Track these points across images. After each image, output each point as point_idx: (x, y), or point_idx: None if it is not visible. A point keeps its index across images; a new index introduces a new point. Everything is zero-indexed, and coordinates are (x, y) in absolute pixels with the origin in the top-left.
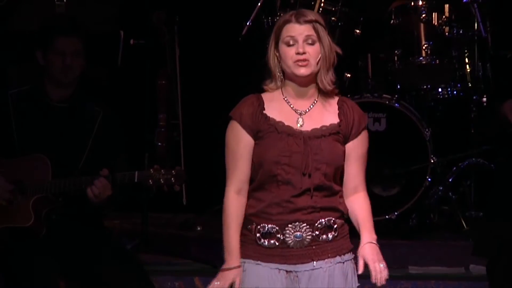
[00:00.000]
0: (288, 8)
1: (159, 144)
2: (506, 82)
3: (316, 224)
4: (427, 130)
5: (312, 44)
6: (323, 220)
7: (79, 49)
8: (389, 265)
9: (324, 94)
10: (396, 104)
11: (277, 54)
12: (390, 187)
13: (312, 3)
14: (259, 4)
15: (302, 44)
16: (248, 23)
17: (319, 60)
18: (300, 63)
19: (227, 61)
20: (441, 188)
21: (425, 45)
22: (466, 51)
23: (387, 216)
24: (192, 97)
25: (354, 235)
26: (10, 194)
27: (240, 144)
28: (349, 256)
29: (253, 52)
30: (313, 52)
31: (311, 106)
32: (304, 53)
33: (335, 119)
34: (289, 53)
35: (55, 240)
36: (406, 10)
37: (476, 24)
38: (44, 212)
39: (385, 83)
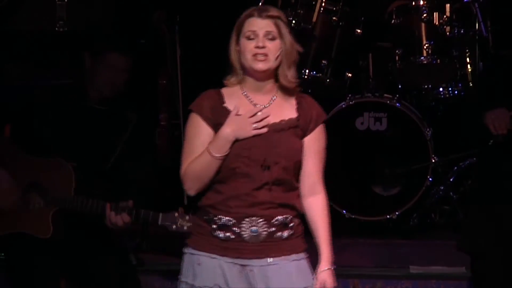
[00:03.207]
0: (288, 8)
1: (160, 143)
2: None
3: (272, 221)
4: (428, 129)
5: (273, 39)
6: (280, 217)
7: (128, 68)
8: (390, 265)
9: (284, 90)
10: (397, 104)
11: (238, 49)
12: (391, 187)
13: (313, 2)
14: (260, 3)
15: (262, 38)
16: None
17: (278, 55)
18: (258, 58)
19: (228, 60)
20: (442, 187)
21: (426, 45)
22: (467, 50)
23: (388, 216)
24: (193, 97)
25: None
26: (14, 202)
27: (199, 135)
28: (304, 254)
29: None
30: (272, 48)
31: (271, 101)
32: (263, 47)
33: (293, 114)
34: (249, 47)
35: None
36: (407, 9)
37: (477, 24)
38: (62, 225)
39: (386, 83)
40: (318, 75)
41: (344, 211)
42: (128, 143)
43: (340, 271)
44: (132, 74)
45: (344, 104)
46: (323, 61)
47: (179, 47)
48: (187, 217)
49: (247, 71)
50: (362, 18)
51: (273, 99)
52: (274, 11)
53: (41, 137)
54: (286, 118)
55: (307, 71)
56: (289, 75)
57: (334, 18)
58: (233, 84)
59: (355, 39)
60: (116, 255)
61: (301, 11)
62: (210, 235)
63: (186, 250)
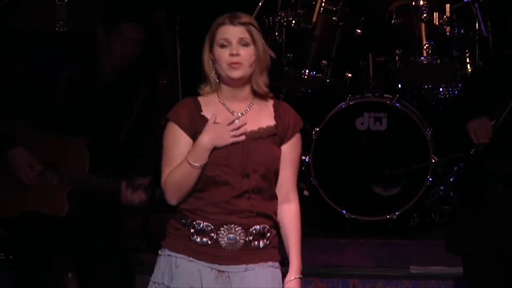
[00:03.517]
0: (289, 8)
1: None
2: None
3: (250, 229)
4: (428, 129)
5: (246, 45)
6: (258, 226)
7: (142, 39)
8: (390, 265)
9: (259, 96)
10: (397, 104)
11: (211, 57)
12: (391, 187)
13: (313, 2)
14: (260, 4)
15: (236, 45)
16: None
17: (252, 62)
18: (233, 66)
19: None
20: (442, 187)
21: (426, 45)
22: (467, 50)
23: (388, 216)
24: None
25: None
26: (34, 178)
27: (178, 145)
28: (278, 264)
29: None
30: (246, 55)
31: (248, 109)
32: (238, 54)
33: (271, 121)
34: (223, 55)
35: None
36: (407, 9)
37: (477, 24)
38: (77, 203)
39: (386, 83)
40: (318, 75)
41: (344, 211)
42: (138, 116)
43: (340, 271)
44: (144, 46)
45: (344, 104)
46: (323, 61)
47: (179, 47)
48: None
49: (222, 79)
50: (362, 18)
51: (250, 106)
52: (246, 18)
53: (55, 114)
54: (264, 125)
55: (307, 71)
56: (260, 81)
57: (334, 18)
58: (208, 93)
59: (355, 39)
60: (116, 240)
61: (301, 11)
62: (187, 239)
63: (161, 252)
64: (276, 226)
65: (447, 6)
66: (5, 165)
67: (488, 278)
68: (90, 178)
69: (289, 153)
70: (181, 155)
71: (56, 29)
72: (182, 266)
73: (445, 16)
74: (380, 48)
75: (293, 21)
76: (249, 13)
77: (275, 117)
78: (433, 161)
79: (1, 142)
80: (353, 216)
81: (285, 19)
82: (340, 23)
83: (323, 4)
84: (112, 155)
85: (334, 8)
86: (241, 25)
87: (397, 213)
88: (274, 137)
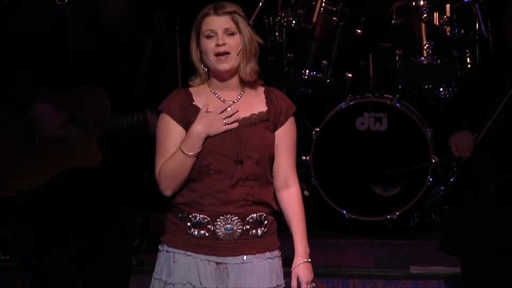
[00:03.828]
0: (289, 8)
1: None
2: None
3: (247, 218)
4: (428, 129)
5: (232, 35)
6: (254, 215)
7: None
8: (390, 265)
9: (250, 84)
10: (398, 104)
11: (199, 49)
12: (391, 187)
13: (313, 3)
14: (260, 4)
15: (222, 35)
16: (249, 23)
17: (239, 51)
18: (221, 58)
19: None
20: (443, 187)
21: (426, 45)
22: (467, 51)
23: (388, 216)
24: None
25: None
26: (61, 128)
27: (171, 135)
28: (278, 253)
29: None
30: (233, 44)
31: (239, 97)
32: (224, 44)
33: (263, 108)
34: (210, 46)
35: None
36: (408, 10)
37: (477, 24)
38: (107, 149)
39: (387, 83)
40: (318, 75)
41: (345, 211)
42: (149, 64)
43: (340, 271)
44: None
45: (344, 104)
46: (323, 61)
47: (179, 47)
48: None
49: (211, 72)
50: (363, 18)
51: (241, 94)
52: (230, 7)
53: (65, 71)
54: (257, 112)
55: (307, 71)
56: (248, 69)
57: (334, 18)
58: (198, 84)
59: (356, 39)
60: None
61: (301, 11)
62: (185, 233)
63: (161, 247)
64: (274, 212)
65: (447, 6)
66: (26, 131)
67: (481, 276)
68: (114, 118)
69: (284, 138)
70: (174, 146)
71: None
72: (180, 261)
73: (445, 16)
74: (381, 48)
75: (294, 21)
76: (249, 13)
77: (267, 103)
78: (433, 161)
79: (22, 101)
80: (353, 216)
81: (285, 19)
82: (341, 23)
83: (323, 4)
84: (130, 99)
85: (334, 8)
86: (226, 15)
87: (397, 213)
88: (267, 122)
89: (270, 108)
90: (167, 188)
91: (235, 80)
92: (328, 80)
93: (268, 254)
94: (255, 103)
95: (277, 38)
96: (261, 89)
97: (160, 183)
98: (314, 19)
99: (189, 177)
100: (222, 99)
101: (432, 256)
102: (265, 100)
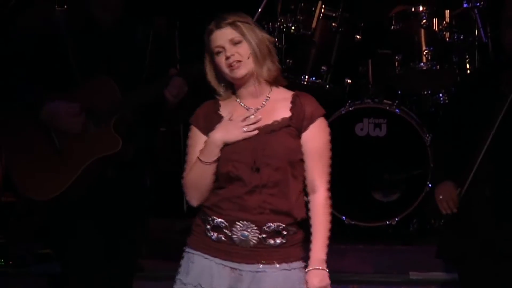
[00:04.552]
0: (288, 14)
1: (160, 149)
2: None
3: (263, 227)
4: (427, 135)
5: (238, 43)
6: (271, 224)
7: None
8: (390, 271)
9: (275, 87)
10: (397, 110)
11: (215, 69)
12: (390, 193)
13: (313, 8)
14: (259, 10)
15: (229, 48)
16: (255, 23)
17: (249, 56)
18: (233, 66)
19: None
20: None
21: (426, 51)
22: (467, 56)
23: (387, 222)
24: (193, 103)
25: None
26: (79, 120)
27: (196, 145)
28: (298, 264)
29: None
30: (241, 51)
31: (264, 103)
32: (232, 55)
33: (286, 113)
34: (221, 61)
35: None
36: (407, 15)
37: (476, 30)
38: (125, 131)
39: (386, 89)
40: (317, 81)
41: (344, 217)
42: (152, 54)
43: (340, 277)
44: None
45: (343, 110)
46: (323, 67)
47: (179, 53)
48: None
49: (232, 84)
50: (362, 24)
51: (266, 100)
52: (230, 17)
53: (68, 69)
54: (279, 118)
55: (306, 77)
56: (264, 72)
57: (333, 24)
58: (224, 99)
59: (355, 45)
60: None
61: (301, 17)
62: (204, 235)
63: (185, 248)
64: (298, 223)
65: (447, 12)
66: (43, 135)
67: (478, 282)
68: (126, 98)
69: (309, 142)
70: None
71: None
72: (197, 263)
73: (444, 22)
74: (380, 54)
75: (293, 27)
76: None
77: (291, 108)
78: (433, 166)
79: (32, 105)
80: (353, 222)
81: (284, 25)
82: (340, 29)
83: (322, 10)
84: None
85: (334, 14)
86: (228, 26)
87: (396, 219)
88: (289, 128)
89: (293, 113)
90: (192, 198)
91: (257, 87)
92: (327, 86)
93: (285, 265)
94: (279, 108)
95: (277, 44)
96: (289, 94)
97: (186, 194)
98: (314, 25)
99: (215, 185)
100: (246, 106)
101: (432, 262)
102: (290, 106)
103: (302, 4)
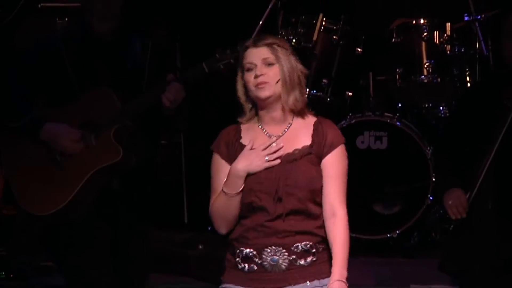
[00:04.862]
0: (289, 27)
1: (161, 161)
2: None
3: (292, 248)
4: (428, 148)
5: (271, 65)
6: (299, 244)
7: None
8: (390, 284)
9: (298, 115)
10: (398, 123)
11: (244, 84)
12: (391, 205)
13: (313, 21)
14: (261, 22)
15: (260, 67)
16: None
17: (278, 81)
18: (260, 85)
19: (228, 78)
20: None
21: (427, 64)
22: (467, 69)
23: (388, 235)
24: (193, 113)
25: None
26: (79, 142)
27: (220, 173)
28: (328, 280)
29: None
30: (272, 74)
31: (286, 130)
32: (262, 75)
33: (307, 141)
34: (250, 78)
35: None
36: (408, 28)
37: (477, 43)
38: (126, 141)
39: (387, 102)
40: (318, 94)
41: None
42: (151, 66)
43: None
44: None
45: (344, 123)
46: (324, 80)
47: (180, 64)
48: (227, 51)
49: (256, 104)
50: (363, 37)
51: (288, 126)
52: (270, 39)
53: (67, 83)
54: (300, 146)
55: (307, 90)
56: (291, 99)
57: (334, 37)
58: (246, 121)
59: (356, 58)
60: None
61: (302, 30)
62: (236, 268)
63: (220, 286)
64: (324, 240)
65: (448, 24)
66: (44, 152)
67: None
68: (125, 107)
69: (329, 168)
70: (222, 183)
71: None
72: None
73: (445, 35)
74: (381, 66)
75: (294, 40)
76: (250, 32)
77: (312, 136)
78: (434, 179)
79: (31, 125)
80: (354, 235)
81: (285, 38)
82: (341, 42)
83: (323, 23)
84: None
85: (335, 27)
86: (265, 46)
87: (397, 231)
88: (310, 156)
89: (314, 140)
90: (219, 227)
91: (280, 112)
92: (328, 99)
93: (316, 282)
94: (301, 136)
95: None
96: (311, 120)
97: (213, 223)
98: (315, 38)
99: (240, 214)
100: (268, 134)
101: (433, 274)
102: (311, 133)
103: (303, 17)
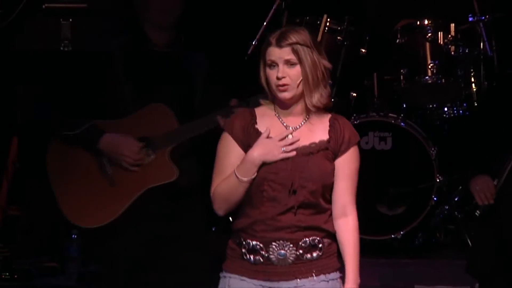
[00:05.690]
0: None
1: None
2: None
3: (300, 243)
4: (433, 149)
5: (293, 66)
6: (307, 239)
7: None
8: (395, 284)
9: (316, 110)
10: (402, 123)
11: (265, 75)
12: (396, 206)
13: (318, 22)
14: (265, 23)
15: (281, 68)
16: (254, 42)
17: (300, 82)
18: (281, 88)
19: (233, 79)
20: (447, 207)
21: (431, 64)
22: (472, 70)
23: (393, 235)
24: None
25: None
26: (139, 154)
27: (230, 155)
28: (335, 275)
29: (259, 71)
30: (293, 75)
31: (302, 123)
32: (283, 77)
33: (324, 136)
34: (272, 77)
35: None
36: (412, 29)
37: (482, 43)
38: (182, 161)
39: (391, 102)
40: None
41: None
42: (207, 82)
43: None
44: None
45: None
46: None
47: None
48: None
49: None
50: (367, 38)
51: (305, 120)
52: (293, 37)
53: (124, 98)
54: (317, 140)
55: None
56: (315, 97)
57: (339, 37)
58: (267, 103)
59: (360, 59)
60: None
61: None
62: (241, 258)
63: (221, 274)
64: (331, 235)
65: (452, 25)
66: (97, 164)
67: None
68: (183, 128)
69: (344, 166)
70: (232, 166)
71: (61, 48)
72: (233, 285)
73: (450, 36)
74: (385, 67)
75: None
76: (254, 33)
77: (329, 132)
78: (438, 180)
79: (90, 134)
80: None
81: None
82: (345, 43)
83: (328, 24)
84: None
85: (339, 28)
86: (287, 46)
87: (402, 232)
88: (326, 151)
89: (331, 136)
90: (219, 208)
91: (299, 106)
92: (332, 100)
93: (322, 276)
94: (317, 130)
95: None
96: (327, 116)
97: (213, 202)
98: (319, 38)
99: (245, 201)
100: (285, 124)
101: (437, 275)
102: (328, 128)
103: (307, 18)
